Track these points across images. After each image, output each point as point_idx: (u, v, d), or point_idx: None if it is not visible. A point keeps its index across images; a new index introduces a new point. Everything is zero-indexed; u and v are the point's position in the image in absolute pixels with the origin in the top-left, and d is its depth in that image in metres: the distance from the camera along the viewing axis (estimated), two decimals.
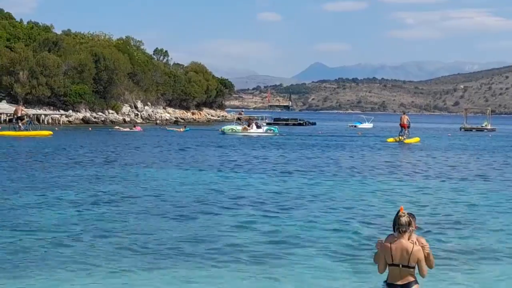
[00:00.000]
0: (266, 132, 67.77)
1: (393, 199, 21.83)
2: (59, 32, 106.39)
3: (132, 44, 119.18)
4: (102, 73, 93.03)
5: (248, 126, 68.52)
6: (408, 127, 58.82)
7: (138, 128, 72.62)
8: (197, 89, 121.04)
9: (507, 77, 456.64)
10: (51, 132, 55.90)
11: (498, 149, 51.81)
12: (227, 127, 69.85)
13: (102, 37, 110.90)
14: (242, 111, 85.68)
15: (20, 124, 54.77)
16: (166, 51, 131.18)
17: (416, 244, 8.23)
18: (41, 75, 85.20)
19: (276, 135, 66.70)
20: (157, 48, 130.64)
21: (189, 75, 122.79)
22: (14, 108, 60.30)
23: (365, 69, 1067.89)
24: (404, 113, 61.81)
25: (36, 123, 66.05)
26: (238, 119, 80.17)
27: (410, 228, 8.24)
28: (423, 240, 8.55)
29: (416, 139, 61.25)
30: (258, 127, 68.55)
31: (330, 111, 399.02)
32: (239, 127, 68.83)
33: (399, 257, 8.15)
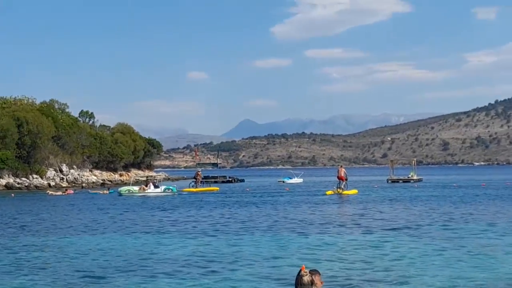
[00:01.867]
0: (164, 191, 66.77)
1: (317, 255, 21.39)
2: None
3: (56, 107, 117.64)
4: (25, 137, 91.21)
5: (146, 186, 67.74)
6: (346, 179, 61.11)
7: (70, 192, 72.87)
8: (124, 150, 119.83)
9: (432, 128, 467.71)
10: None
11: (427, 199, 52.21)
12: (123, 188, 68.33)
13: (25, 101, 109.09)
14: (199, 171, 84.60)
15: None
16: (91, 113, 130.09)
17: None
18: None
19: (174, 194, 65.56)
20: (82, 110, 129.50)
21: (115, 136, 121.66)
22: None
23: (294, 124, 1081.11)
24: (341, 166, 64.71)
25: None
26: (194, 178, 79.41)
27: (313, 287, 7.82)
28: None
29: (354, 191, 62.85)
30: (156, 186, 67.68)
31: (261, 167, 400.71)
32: (136, 188, 67.71)
33: None
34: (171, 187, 69.96)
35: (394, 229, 29.46)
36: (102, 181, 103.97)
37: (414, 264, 19.50)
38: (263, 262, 20.39)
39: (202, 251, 23.28)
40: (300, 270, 7.90)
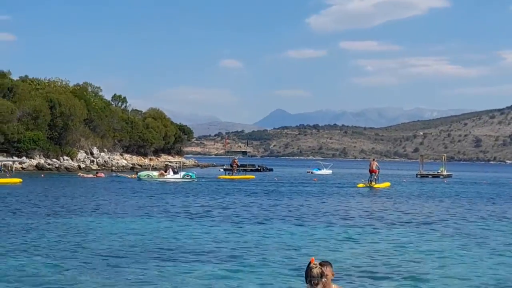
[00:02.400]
0: (183, 178, 67.05)
1: (343, 247, 21.38)
2: (16, 78, 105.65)
3: (90, 90, 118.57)
4: (57, 119, 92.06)
5: (165, 171, 67.95)
6: (379, 172, 61.14)
7: (101, 175, 73.36)
8: (155, 135, 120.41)
9: (465, 124, 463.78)
10: (21, 180, 55.45)
11: (452, 194, 51.86)
12: (143, 173, 68.92)
13: (59, 83, 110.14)
14: (235, 158, 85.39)
15: None
16: (124, 97, 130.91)
17: None
18: None
19: (194, 181, 65.88)
20: (115, 94, 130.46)
21: (147, 121, 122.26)
22: None
23: (326, 115, 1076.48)
24: (373, 159, 64.22)
25: (5, 170, 64.94)
26: (231, 165, 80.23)
27: (323, 280, 7.81)
28: None
29: (387, 184, 62.93)
30: (175, 172, 67.87)
31: (291, 158, 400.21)
32: (155, 173, 68.15)
33: None
34: (190, 174, 70.22)
35: (418, 223, 29.33)
36: (132, 165, 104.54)
37: (436, 260, 19.41)
38: (282, 252, 20.43)
39: (229, 238, 23.39)
40: (310, 263, 7.90)
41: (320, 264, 8.18)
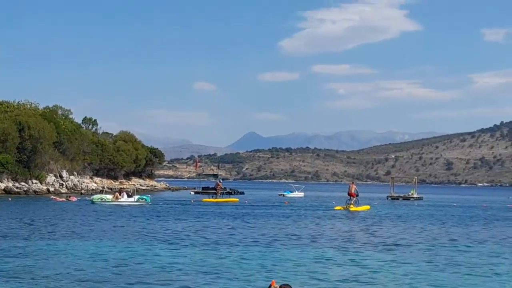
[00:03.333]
0: (137, 201, 66.46)
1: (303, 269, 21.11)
2: None
3: (60, 113, 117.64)
4: (26, 142, 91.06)
5: (119, 194, 67.38)
6: (357, 195, 61.76)
7: (73, 198, 72.64)
8: (126, 158, 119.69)
9: (436, 147, 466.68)
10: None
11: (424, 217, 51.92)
12: (96, 196, 68.21)
13: (28, 106, 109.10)
14: (220, 181, 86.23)
15: None
16: (95, 120, 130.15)
17: None
18: None
19: (148, 204, 65.26)
20: (85, 117, 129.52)
21: (117, 144, 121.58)
22: None
23: (299, 138, 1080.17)
24: (352, 183, 65.33)
25: None
26: (215, 188, 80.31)
27: None
28: None
29: (367, 207, 63.53)
30: (129, 196, 67.41)
31: (264, 180, 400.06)
32: (109, 196, 67.40)
33: None
34: (144, 197, 69.45)
35: (385, 246, 29.18)
36: (101, 188, 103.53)
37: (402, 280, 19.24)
38: (239, 275, 20.12)
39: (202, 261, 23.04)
40: (270, 285, 7.70)
41: (280, 287, 8.03)
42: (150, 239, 30.63)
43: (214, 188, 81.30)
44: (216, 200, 76.25)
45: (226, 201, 76.69)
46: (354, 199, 61.20)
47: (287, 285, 8.27)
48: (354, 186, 62.13)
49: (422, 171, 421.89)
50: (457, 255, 26.19)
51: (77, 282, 18.36)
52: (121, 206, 61.35)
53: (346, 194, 63.94)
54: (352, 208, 59.92)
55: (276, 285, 7.69)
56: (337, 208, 61.88)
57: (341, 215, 53.73)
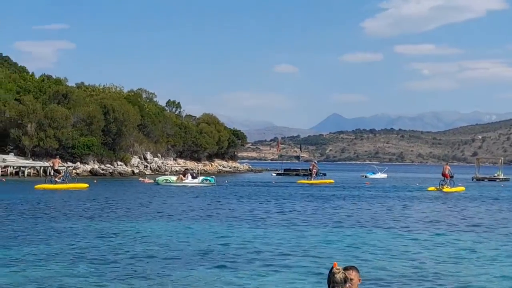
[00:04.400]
0: (202, 182, 66.32)
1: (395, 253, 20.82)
2: (73, 85, 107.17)
3: (144, 96, 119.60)
4: (111, 125, 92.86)
5: (184, 176, 67.38)
6: (451, 177, 61.62)
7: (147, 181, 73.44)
8: (208, 140, 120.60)
9: None
10: (88, 185, 55.58)
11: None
12: (161, 178, 68.23)
13: (113, 90, 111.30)
14: (315, 161, 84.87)
15: (56, 179, 54.53)
16: (178, 103, 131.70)
17: None
18: (49, 128, 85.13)
19: (213, 185, 65.09)
20: (169, 100, 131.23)
21: (200, 127, 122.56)
22: (51, 161, 59.39)
23: (382, 120, 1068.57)
24: (446, 164, 65.54)
25: (74, 175, 65.20)
26: (310, 170, 78.96)
27: (347, 285, 7.33)
28: None
29: (462, 188, 63.34)
30: (194, 177, 67.23)
31: (348, 162, 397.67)
32: (174, 178, 67.33)
33: None
34: (209, 178, 69.38)
35: (471, 226, 28.55)
36: (185, 168, 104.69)
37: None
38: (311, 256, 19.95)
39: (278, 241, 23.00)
40: (332, 267, 7.44)
41: (344, 268, 7.77)
42: (241, 220, 30.77)
43: (309, 170, 79.54)
44: (311, 181, 74.90)
45: (321, 183, 75.67)
46: (449, 180, 60.99)
47: (353, 266, 7.98)
48: (448, 167, 62.12)
49: (510, 151, 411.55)
50: None
51: (166, 260, 18.54)
52: (185, 187, 61.66)
53: (430, 176, 63.46)
54: (446, 189, 59.67)
55: (338, 267, 7.42)
56: (430, 189, 61.77)
57: (433, 196, 53.17)
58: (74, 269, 17.00)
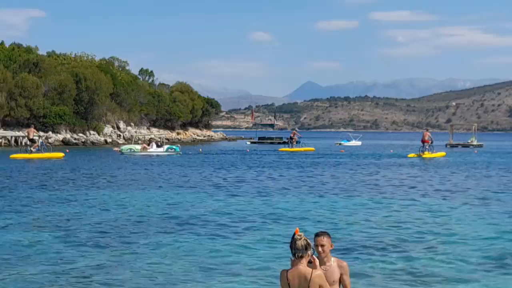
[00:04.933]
0: (166, 151, 65.88)
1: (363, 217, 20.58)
2: (44, 53, 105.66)
3: (116, 64, 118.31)
4: (83, 93, 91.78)
5: (148, 145, 66.95)
6: (431, 142, 63.02)
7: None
8: (182, 109, 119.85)
9: (499, 93, 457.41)
10: (63, 154, 55.49)
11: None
12: (125, 147, 67.71)
13: (85, 58, 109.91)
14: (296, 130, 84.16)
15: (31, 148, 54.24)
16: (151, 71, 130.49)
17: (319, 268, 7.14)
18: (20, 97, 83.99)
19: (178, 154, 64.54)
20: (142, 68, 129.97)
21: (174, 95, 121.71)
22: (26, 130, 59.13)
23: (357, 87, 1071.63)
24: (426, 130, 66.20)
25: (48, 144, 64.53)
26: (291, 137, 78.27)
27: (309, 252, 7.09)
28: (343, 264, 7.69)
29: (442, 153, 65.20)
30: (159, 146, 66.86)
31: (322, 130, 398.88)
32: (138, 147, 66.82)
33: (297, 285, 7.01)
34: (174, 147, 68.94)
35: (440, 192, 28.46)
36: (159, 139, 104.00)
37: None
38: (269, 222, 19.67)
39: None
40: (294, 234, 7.19)
41: (316, 234, 7.62)
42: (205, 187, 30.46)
43: (290, 137, 79.07)
44: (292, 149, 74.97)
45: (303, 150, 75.35)
46: (428, 145, 62.10)
47: (325, 232, 7.80)
48: (428, 133, 63.13)
49: (484, 118, 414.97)
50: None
51: (129, 222, 18.18)
52: (150, 156, 61.10)
53: (405, 142, 63.92)
54: (426, 155, 60.90)
55: (300, 233, 7.16)
56: (410, 155, 62.86)
57: (413, 162, 53.63)
58: (37, 237, 16.66)
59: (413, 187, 31.09)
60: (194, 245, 16.08)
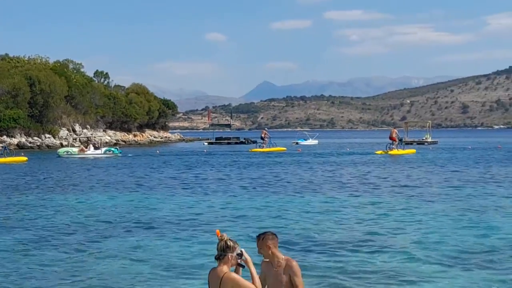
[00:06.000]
0: (104, 153, 65.56)
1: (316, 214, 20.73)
2: None
3: (71, 67, 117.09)
4: (37, 96, 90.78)
5: (86, 147, 66.44)
6: (400, 140, 65.61)
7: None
8: (138, 110, 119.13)
9: (452, 90, 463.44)
10: (26, 158, 54.79)
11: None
12: (62, 150, 67.09)
13: (39, 61, 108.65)
14: (265, 130, 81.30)
15: None
16: (106, 73, 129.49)
17: (239, 269, 7.05)
18: None
19: (117, 156, 64.24)
20: (97, 70, 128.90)
21: (129, 97, 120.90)
22: None
23: (313, 86, 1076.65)
24: (394, 128, 68.47)
25: (11, 149, 63.60)
26: (262, 138, 76.50)
27: (229, 255, 7.02)
28: (292, 263, 7.45)
29: (412, 150, 66.32)
30: (96, 148, 66.44)
31: (279, 129, 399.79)
32: (75, 149, 66.40)
33: (213, 285, 7.01)
34: (112, 149, 68.62)
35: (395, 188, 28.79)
36: (115, 141, 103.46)
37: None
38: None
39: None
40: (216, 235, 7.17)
41: (258, 235, 7.54)
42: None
43: (261, 138, 77.12)
44: (264, 150, 73.35)
45: (275, 150, 74.47)
46: (395, 143, 63.04)
47: (268, 232, 7.69)
48: (395, 131, 64.46)
49: (438, 115, 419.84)
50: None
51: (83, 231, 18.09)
52: (88, 158, 60.57)
53: (360, 141, 64.48)
54: (393, 152, 61.89)
55: (224, 234, 7.14)
56: (378, 152, 63.98)
57: (381, 159, 54.70)
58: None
59: (379, 185, 31.33)
60: (156, 247, 16.08)
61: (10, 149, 61.27)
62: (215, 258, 7.05)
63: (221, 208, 23.27)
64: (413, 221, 19.60)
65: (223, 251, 7.04)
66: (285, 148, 78.39)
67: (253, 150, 75.05)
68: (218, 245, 7.06)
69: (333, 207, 23.08)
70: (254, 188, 30.35)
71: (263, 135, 76.69)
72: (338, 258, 14.54)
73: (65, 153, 65.04)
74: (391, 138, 63.29)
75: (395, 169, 43.02)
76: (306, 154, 66.90)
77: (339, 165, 47.59)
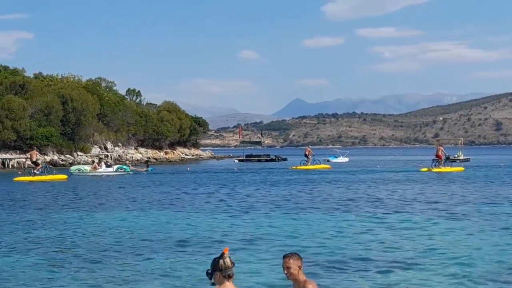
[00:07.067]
0: (116, 171, 65.51)
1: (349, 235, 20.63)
2: (31, 75, 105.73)
3: (104, 85, 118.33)
4: (69, 115, 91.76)
5: (98, 165, 66.66)
6: (448, 158, 65.83)
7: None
8: (170, 128, 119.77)
9: (485, 107, 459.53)
10: (66, 176, 55.41)
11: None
12: (73, 168, 67.49)
13: (72, 79, 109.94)
14: (309, 147, 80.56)
15: (35, 171, 54.60)
16: (138, 91, 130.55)
17: None
18: (6, 119, 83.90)
19: (128, 173, 64.31)
20: (129, 88, 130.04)
21: (161, 115, 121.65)
22: (29, 153, 59.16)
23: (345, 104, 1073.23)
24: (440, 145, 68.62)
25: (51, 167, 64.44)
26: (306, 155, 74.96)
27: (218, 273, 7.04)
28: (310, 285, 7.49)
29: (460, 168, 66.40)
30: (108, 166, 66.39)
31: (311, 147, 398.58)
32: (87, 167, 66.63)
33: None
34: (124, 167, 68.67)
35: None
36: (146, 159, 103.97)
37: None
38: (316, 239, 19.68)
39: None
40: (223, 253, 7.13)
41: (283, 256, 7.59)
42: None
43: (305, 155, 76.09)
44: (307, 167, 71.83)
45: (318, 168, 73.37)
46: (442, 160, 62.87)
47: (294, 253, 7.73)
48: (441, 148, 64.28)
49: (471, 132, 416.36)
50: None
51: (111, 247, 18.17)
52: (100, 176, 60.80)
53: (392, 158, 64.26)
54: (438, 169, 61.64)
55: (227, 253, 7.11)
56: (423, 169, 63.53)
57: (427, 176, 54.08)
58: (27, 260, 16.64)
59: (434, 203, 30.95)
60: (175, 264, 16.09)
61: (51, 167, 61.99)
62: (229, 276, 7.01)
63: (263, 226, 23.21)
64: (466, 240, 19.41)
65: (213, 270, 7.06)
66: (329, 166, 77.41)
67: (295, 167, 74.08)
68: (225, 261, 7.04)
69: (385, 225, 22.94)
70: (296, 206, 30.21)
71: (307, 153, 75.18)
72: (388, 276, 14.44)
73: (77, 170, 65.57)
74: (437, 155, 63.19)
75: (448, 187, 42.24)
76: (358, 172, 65.87)
77: (384, 183, 47.13)
